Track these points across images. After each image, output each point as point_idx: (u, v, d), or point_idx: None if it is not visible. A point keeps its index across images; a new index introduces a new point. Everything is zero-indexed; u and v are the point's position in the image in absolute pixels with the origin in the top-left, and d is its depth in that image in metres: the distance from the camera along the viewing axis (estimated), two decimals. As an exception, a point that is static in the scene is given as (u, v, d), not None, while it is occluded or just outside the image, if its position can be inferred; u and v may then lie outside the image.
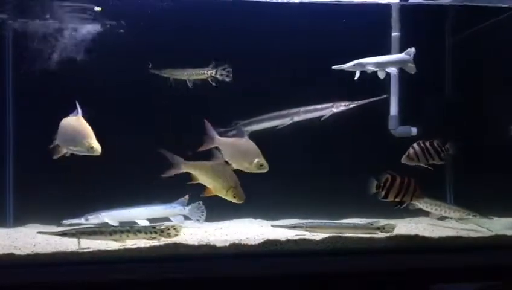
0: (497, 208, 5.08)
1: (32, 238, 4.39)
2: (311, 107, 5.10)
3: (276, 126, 5.09)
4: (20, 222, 5.12)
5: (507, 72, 5.46)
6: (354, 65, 4.99)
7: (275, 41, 5.22)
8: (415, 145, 4.53)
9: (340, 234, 4.32)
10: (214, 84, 4.82)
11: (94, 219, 4.75)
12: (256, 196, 5.11)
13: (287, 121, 5.06)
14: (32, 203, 5.07)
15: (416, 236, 4.37)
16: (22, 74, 5.11)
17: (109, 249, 4.02)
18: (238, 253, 4.08)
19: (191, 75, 4.86)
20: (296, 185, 5.36)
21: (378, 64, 5.01)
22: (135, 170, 5.10)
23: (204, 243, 4.12)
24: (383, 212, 5.31)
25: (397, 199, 4.35)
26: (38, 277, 3.73)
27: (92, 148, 4.11)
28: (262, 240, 4.18)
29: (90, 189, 5.03)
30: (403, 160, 4.55)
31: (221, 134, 4.98)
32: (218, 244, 4.10)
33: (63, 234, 4.06)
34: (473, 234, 4.59)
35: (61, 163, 4.70)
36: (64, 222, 4.74)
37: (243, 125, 5.10)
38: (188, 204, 4.98)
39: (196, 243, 4.12)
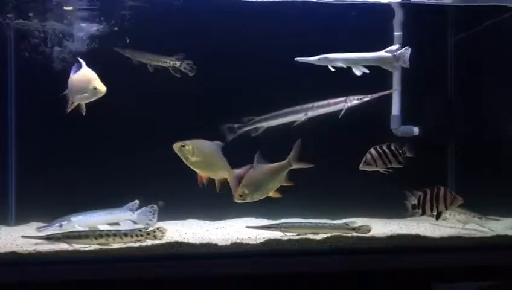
0: (499, 208, 5.07)
1: (34, 236, 4.40)
2: (325, 102, 5.03)
3: (291, 122, 5.04)
4: (22, 220, 5.12)
5: (509, 71, 5.46)
6: (319, 59, 4.90)
7: (275, 40, 5.23)
8: (371, 150, 4.49)
9: (340, 234, 4.33)
10: (176, 74, 4.91)
11: (66, 225, 4.63)
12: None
13: (301, 116, 5.01)
14: (34, 202, 5.08)
15: (418, 236, 4.37)
16: (24, 74, 5.13)
17: (112, 247, 4.03)
18: (239, 252, 4.09)
19: (152, 60, 4.92)
20: (298, 184, 5.35)
21: (348, 61, 4.89)
22: (136, 169, 5.12)
23: (206, 242, 4.13)
24: (384, 212, 5.33)
25: (434, 212, 4.38)
26: (40, 275, 3.73)
27: (95, 89, 4.22)
28: (263, 239, 4.19)
29: (91, 188, 5.04)
30: (361, 167, 4.50)
31: (236, 129, 5.01)
32: (220, 243, 4.11)
33: (48, 238, 4.06)
34: (474, 234, 4.59)
35: (62, 162, 4.74)
36: (41, 229, 4.66)
37: (258, 121, 5.09)
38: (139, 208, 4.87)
39: (198, 242, 4.13)
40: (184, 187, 4.51)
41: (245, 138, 5.06)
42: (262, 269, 3.96)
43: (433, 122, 5.67)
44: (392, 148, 4.47)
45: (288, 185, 4.39)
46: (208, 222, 5.26)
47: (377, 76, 5.10)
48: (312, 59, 4.91)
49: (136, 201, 4.84)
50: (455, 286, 4.04)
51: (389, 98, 5.44)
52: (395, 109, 5.48)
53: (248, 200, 4.24)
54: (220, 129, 5.02)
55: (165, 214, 5.11)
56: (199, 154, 4.16)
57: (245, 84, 5.25)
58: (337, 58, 4.90)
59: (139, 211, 4.82)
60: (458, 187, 5.77)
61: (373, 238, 4.30)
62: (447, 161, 5.88)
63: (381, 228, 4.91)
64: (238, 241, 4.20)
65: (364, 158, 4.50)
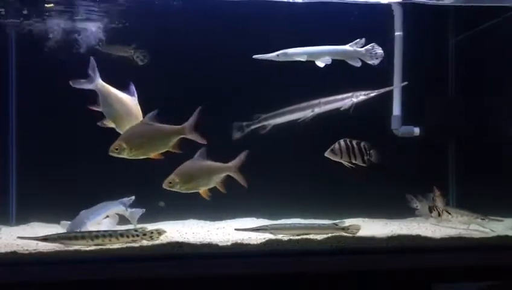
0: (500, 209, 5.06)
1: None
2: (331, 98, 5.00)
3: (298, 119, 5.02)
4: (22, 220, 5.13)
5: (510, 71, 5.45)
6: (277, 55, 4.87)
7: (275, 40, 5.22)
8: (341, 141, 4.50)
9: (340, 234, 4.33)
10: (135, 63, 5.03)
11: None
12: (258, 196, 5.14)
13: (308, 113, 4.98)
14: (35, 202, 5.08)
15: (418, 236, 4.37)
16: (25, 74, 5.14)
17: (112, 247, 4.02)
18: (240, 252, 4.08)
19: (117, 50, 5.06)
20: (298, 184, 5.36)
21: (309, 55, 4.85)
22: (137, 169, 5.11)
23: (206, 243, 4.12)
24: (385, 212, 5.33)
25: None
26: (41, 275, 3.73)
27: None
28: (264, 240, 4.19)
29: (92, 188, 5.04)
30: (327, 154, 4.52)
31: (244, 128, 5.01)
32: (220, 243, 4.11)
33: (44, 239, 4.04)
34: (475, 234, 4.58)
35: (63, 162, 4.74)
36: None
37: (265, 118, 5.07)
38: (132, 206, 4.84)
39: (198, 242, 4.12)
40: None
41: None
42: (262, 269, 3.96)
43: (434, 123, 5.66)
44: (361, 146, 4.47)
45: (222, 190, 4.41)
46: (208, 222, 5.27)
47: (377, 76, 5.11)
48: (270, 55, 4.88)
49: (132, 197, 4.81)
50: (455, 286, 4.04)
51: (389, 98, 5.44)
52: (396, 109, 5.48)
53: (176, 189, 4.24)
54: (228, 127, 5.03)
55: (166, 214, 5.13)
56: (136, 145, 4.11)
57: (247, 82, 5.25)
58: (297, 53, 4.87)
59: (133, 209, 4.79)
60: (459, 187, 5.78)
61: (373, 238, 4.28)
62: (447, 161, 5.88)
63: (381, 228, 4.92)
64: (239, 241, 4.19)
65: (332, 146, 4.50)
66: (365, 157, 4.47)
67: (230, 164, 4.43)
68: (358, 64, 4.91)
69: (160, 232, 4.18)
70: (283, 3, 5.08)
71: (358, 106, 5.00)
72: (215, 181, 4.40)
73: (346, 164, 4.52)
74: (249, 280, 3.90)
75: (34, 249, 3.93)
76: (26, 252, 3.89)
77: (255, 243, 4.16)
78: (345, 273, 3.96)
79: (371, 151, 4.48)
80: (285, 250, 4.13)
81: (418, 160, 5.60)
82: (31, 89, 5.18)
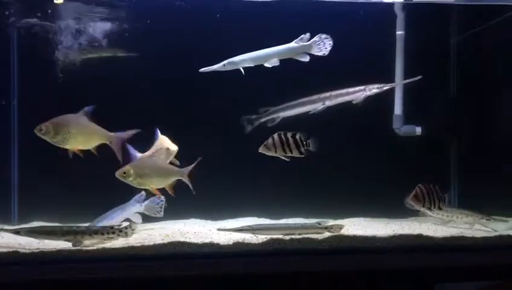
0: (502, 209, 5.06)
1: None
2: (343, 91, 4.90)
3: (308, 112, 4.93)
4: (24, 220, 5.13)
5: (512, 70, 5.47)
6: (224, 65, 4.78)
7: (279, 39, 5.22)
8: (275, 135, 4.41)
9: (341, 233, 4.33)
10: None
11: None
12: (259, 195, 5.15)
13: (318, 106, 4.89)
14: (37, 201, 5.09)
15: (419, 236, 4.37)
16: (26, 74, 5.14)
17: (114, 247, 4.03)
18: (241, 251, 4.09)
19: None
20: (300, 184, 5.37)
21: (256, 59, 4.77)
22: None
23: (208, 242, 4.13)
24: (386, 212, 5.33)
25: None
26: (43, 275, 3.74)
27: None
28: (265, 239, 4.19)
29: (94, 187, 5.05)
30: (261, 149, 4.45)
31: (253, 120, 4.99)
32: (222, 242, 4.12)
33: (16, 232, 4.05)
34: (476, 234, 4.59)
35: (65, 161, 4.73)
36: None
37: (274, 111, 5.02)
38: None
39: (200, 242, 4.13)
40: (187, 186, 4.52)
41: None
42: (263, 269, 3.96)
43: (435, 122, 5.67)
44: (297, 137, 4.39)
45: (171, 192, 4.44)
46: (210, 221, 5.27)
47: (378, 75, 5.11)
48: (217, 66, 4.78)
49: (143, 193, 4.79)
50: (455, 286, 4.04)
51: (391, 97, 5.45)
52: (398, 108, 5.48)
53: (128, 181, 4.26)
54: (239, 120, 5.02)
55: (168, 213, 5.13)
56: (62, 131, 4.18)
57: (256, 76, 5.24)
58: (244, 60, 4.78)
59: (146, 201, 4.79)
60: (460, 187, 5.77)
61: (374, 238, 4.29)
62: (449, 160, 5.88)
63: (382, 227, 4.92)
64: (240, 240, 4.20)
65: (265, 142, 4.44)
66: (302, 149, 4.40)
67: (183, 169, 4.47)
68: (307, 59, 4.77)
69: (133, 228, 4.15)
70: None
71: (359, 105, 4.98)
72: (167, 182, 4.43)
73: (282, 157, 4.45)
74: (250, 279, 3.91)
75: (36, 249, 3.95)
76: (28, 251, 3.90)
77: (256, 242, 4.17)
78: (346, 273, 3.97)
79: (308, 141, 4.40)
80: (286, 249, 4.13)
81: (419, 159, 5.60)
82: (33, 87, 5.18)
